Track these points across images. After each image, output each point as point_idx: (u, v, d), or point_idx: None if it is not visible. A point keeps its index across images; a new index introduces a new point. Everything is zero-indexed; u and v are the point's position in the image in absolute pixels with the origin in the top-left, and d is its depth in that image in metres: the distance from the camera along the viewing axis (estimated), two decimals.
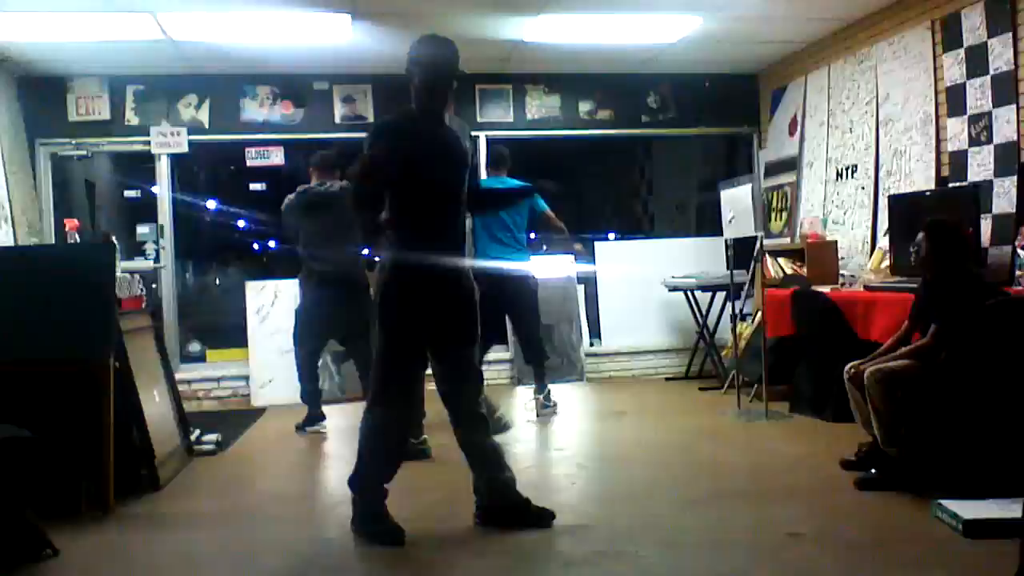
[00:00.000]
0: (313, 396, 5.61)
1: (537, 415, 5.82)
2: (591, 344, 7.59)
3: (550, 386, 5.97)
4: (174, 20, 5.45)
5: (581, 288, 7.60)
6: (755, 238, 5.66)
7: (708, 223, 9.20)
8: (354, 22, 5.63)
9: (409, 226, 3.27)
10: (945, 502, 3.23)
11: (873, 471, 3.78)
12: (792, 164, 7.02)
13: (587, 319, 7.61)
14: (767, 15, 5.87)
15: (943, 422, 3.63)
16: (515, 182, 5.54)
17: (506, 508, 3.39)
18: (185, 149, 6.89)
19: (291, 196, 5.55)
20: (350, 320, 5.40)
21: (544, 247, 6.82)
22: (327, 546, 3.33)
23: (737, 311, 6.08)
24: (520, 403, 6.32)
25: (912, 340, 3.93)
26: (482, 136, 7.04)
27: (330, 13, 5.46)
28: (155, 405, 4.47)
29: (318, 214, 5.44)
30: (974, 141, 5.00)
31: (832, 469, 4.05)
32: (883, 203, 5.68)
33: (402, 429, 3.38)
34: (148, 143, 6.83)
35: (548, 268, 6.08)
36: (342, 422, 5.66)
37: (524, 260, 5.68)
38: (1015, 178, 4.67)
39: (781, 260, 6.39)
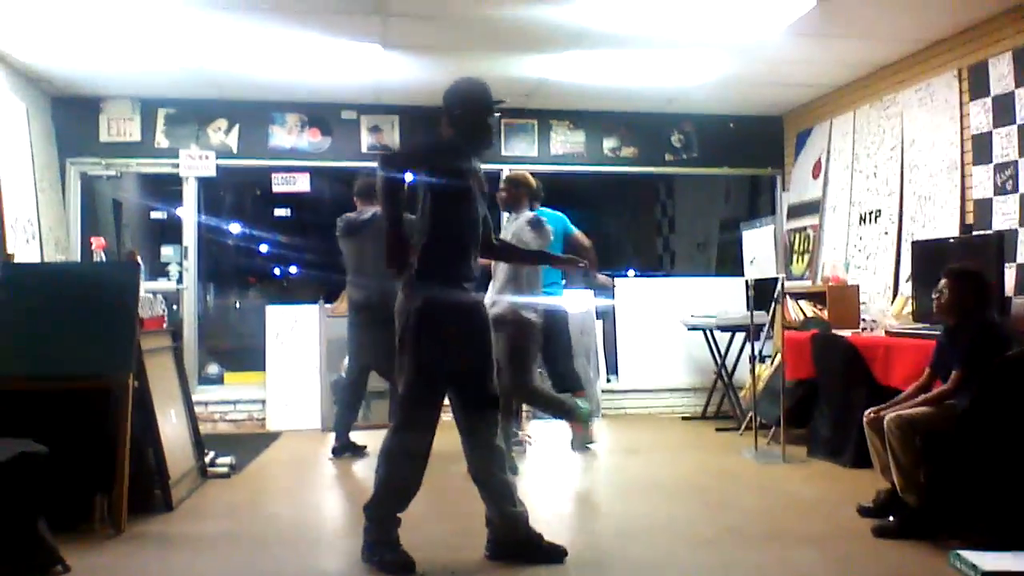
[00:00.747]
0: (341, 427, 5.62)
1: (584, 446, 5.76)
2: (608, 380, 7.57)
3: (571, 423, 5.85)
4: (206, 47, 5.55)
5: (599, 324, 7.59)
6: (776, 280, 5.64)
7: (729, 263, 9.19)
8: (384, 52, 5.71)
9: (434, 257, 3.30)
10: (963, 552, 3.18)
11: (891, 518, 3.73)
12: (815, 207, 7.01)
13: (605, 355, 7.60)
14: (793, 58, 5.90)
15: (963, 471, 3.59)
16: (551, 213, 5.65)
17: (518, 543, 3.37)
18: (213, 173, 6.98)
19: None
20: (379, 346, 5.18)
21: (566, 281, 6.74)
22: (336, 574, 3.31)
23: (756, 352, 6.04)
24: (536, 436, 6.28)
25: (933, 387, 3.89)
26: (505, 169, 7.07)
27: (360, 43, 5.54)
28: (171, 425, 4.49)
29: (353, 241, 5.52)
30: (999, 190, 4.98)
31: (849, 515, 4.00)
32: (906, 249, 5.65)
33: (421, 458, 3.36)
34: (177, 165, 6.93)
35: (573, 302, 6.09)
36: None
37: (558, 294, 5.70)
38: None
39: (802, 302, 6.35)
